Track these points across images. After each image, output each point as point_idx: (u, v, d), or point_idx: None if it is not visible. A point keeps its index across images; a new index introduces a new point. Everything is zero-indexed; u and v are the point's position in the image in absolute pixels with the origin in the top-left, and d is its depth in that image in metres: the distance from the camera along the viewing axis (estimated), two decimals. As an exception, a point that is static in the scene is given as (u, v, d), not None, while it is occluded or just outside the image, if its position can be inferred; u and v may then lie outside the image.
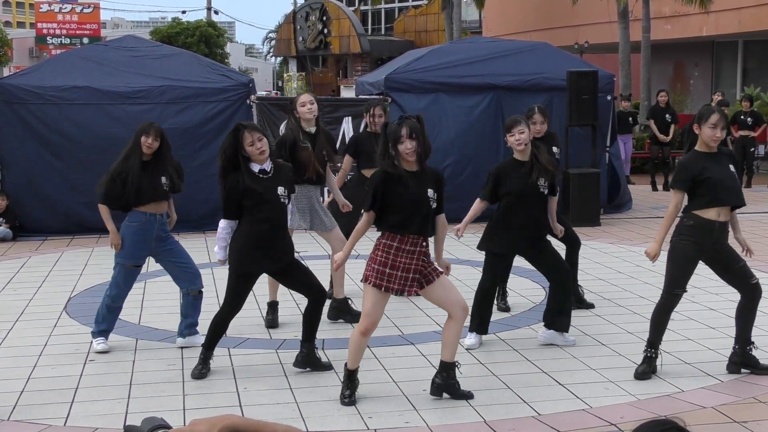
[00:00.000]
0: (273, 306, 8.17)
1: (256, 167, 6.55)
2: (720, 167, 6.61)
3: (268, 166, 6.60)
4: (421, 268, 6.02)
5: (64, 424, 5.87)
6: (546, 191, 7.34)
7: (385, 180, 5.94)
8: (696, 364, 6.92)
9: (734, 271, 6.70)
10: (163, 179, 7.29)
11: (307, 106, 8.09)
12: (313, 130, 8.12)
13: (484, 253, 7.56)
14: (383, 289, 5.97)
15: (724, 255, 6.69)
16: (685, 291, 6.77)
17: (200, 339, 7.10)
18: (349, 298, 8.31)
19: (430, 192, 6.01)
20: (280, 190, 6.60)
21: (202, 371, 6.72)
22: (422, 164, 6.01)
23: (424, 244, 6.04)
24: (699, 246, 6.57)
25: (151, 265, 10.97)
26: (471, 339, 7.38)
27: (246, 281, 6.67)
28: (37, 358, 7.24)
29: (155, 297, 9.30)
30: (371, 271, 5.98)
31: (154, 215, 7.29)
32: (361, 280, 6.08)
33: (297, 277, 6.76)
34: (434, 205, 6.05)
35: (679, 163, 6.88)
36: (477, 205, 7.50)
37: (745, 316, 6.75)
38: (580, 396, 6.25)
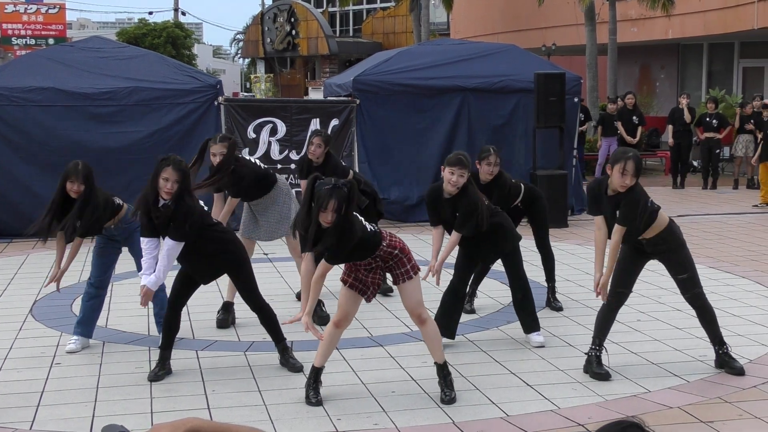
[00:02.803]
0: (227, 306, 8.25)
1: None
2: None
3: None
4: (378, 280, 6.16)
5: (30, 428, 5.82)
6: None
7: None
8: (662, 364, 6.97)
9: (677, 281, 6.80)
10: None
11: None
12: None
13: None
14: (347, 285, 6.15)
15: (666, 264, 6.80)
16: (630, 291, 6.83)
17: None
18: (321, 301, 8.28)
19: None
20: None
21: (158, 374, 6.73)
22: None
23: (378, 259, 6.02)
24: (634, 247, 6.67)
25: (118, 267, 10.91)
26: None
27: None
28: (2, 362, 7.17)
29: (122, 299, 9.24)
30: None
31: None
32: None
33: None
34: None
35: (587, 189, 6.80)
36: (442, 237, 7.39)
37: (704, 321, 6.86)
38: (548, 397, 6.28)
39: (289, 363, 6.90)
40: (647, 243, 6.65)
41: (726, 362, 6.79)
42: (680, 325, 8.07)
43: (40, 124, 12.95)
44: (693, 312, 8.36)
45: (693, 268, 6.77)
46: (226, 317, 8.19)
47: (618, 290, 6.73)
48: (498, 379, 6.66)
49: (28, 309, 8.87)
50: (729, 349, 6.83)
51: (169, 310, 6.88)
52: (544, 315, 8.43)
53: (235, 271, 6.97)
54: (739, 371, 6.69)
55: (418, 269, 6.19)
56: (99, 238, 7.64)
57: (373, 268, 6.09)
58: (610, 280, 6.66)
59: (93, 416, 5.98)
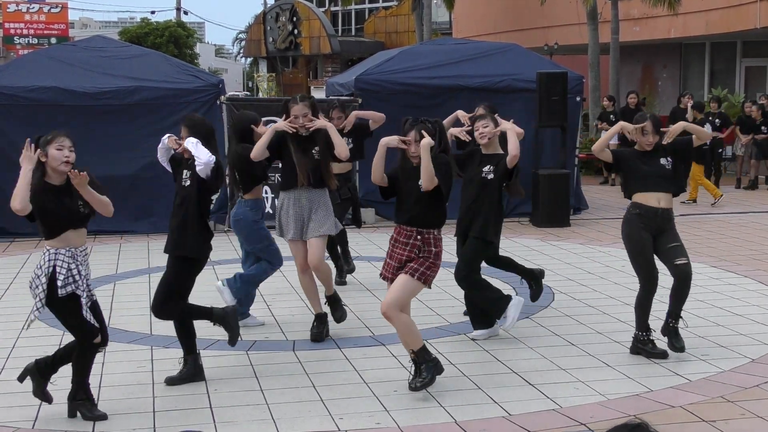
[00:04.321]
0: (321, 318, 7.76)
1: None
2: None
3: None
4: (401, 257, 6.32)
5: (32, 427, 5.83)
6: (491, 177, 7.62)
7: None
8: (664, 363, 6.97)
9: (670, 250, 7.06)
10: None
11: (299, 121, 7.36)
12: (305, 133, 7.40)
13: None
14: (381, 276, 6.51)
15: (664, 237, 7.11)
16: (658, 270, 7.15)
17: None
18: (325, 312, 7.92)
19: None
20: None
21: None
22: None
23: (419, 237, 6.24)
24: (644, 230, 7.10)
25: (120, 267, 10.93)
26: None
27: None
28: (5, 361, 7.18)
29: (125, 299, 9.24)
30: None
31: None
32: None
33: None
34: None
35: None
36: None
37: (677, 293, 7.12)
38: (550, 396, 6.28)
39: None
40: (662, 212, 7.01)
41: (671, 335, 7.09)
42: (682, 325, 8.05)
43: (41, 122, 12.94)
44: (695, 311, 8.40)
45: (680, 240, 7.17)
46: (321, 330, 7.67)
47: (654, 273, 7.08)
48: (500, 378, 6.66)
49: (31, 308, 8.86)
50: (680, 325, 7.12)
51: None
52: (547, 315, 8.44)
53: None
54: (680, 349, 7.03)
55: (427, 283, 6.30)
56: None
57: (410, 244, 6.25)
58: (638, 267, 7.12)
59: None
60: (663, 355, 7.02)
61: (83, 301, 5.73)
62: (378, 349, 7.43)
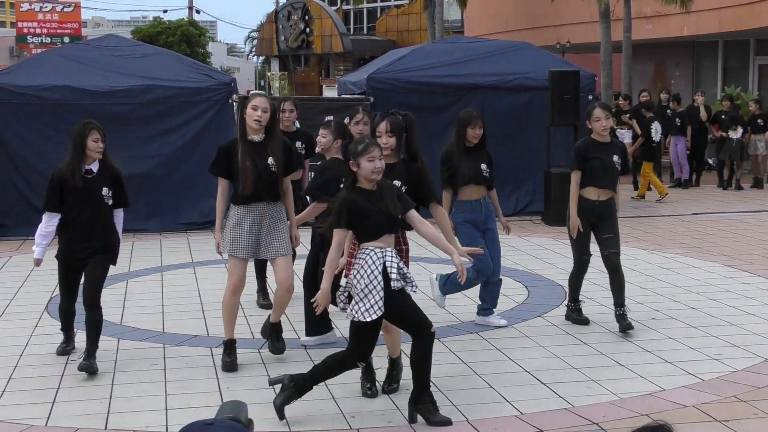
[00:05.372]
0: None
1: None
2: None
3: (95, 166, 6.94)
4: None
5: (46, 425, 5.85)
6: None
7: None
8: (677, 362, 6.95)
9: (604, 240, 7.83)
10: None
11: (257, 113, 6.70)
12: (258, 138, 6.77)
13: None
14: None
15: (601, 225, 7.89)
16: (591, 255, 7.98)
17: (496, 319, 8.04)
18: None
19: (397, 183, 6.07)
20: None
21: (65, 348, 7.23)
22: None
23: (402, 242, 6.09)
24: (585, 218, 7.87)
25: (133, 264, 10.96)
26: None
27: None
28: (18, 358, 7.21)
29: (137, 297, 9.27)
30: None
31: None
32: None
33: None
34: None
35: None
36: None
37: (615, 285, 7.86)
38: (562, 395, 6.27)
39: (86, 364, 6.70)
40: (601, 205, 7.84)
41: (618, 320, 7.75)
42: (695, 324, 8.04)
43: (54, 121, 13.00)
44: (708, 310, 8.39)
45: (618, 231, 7.93)
46: (233, 359, 7.01)
47: (584, 258, 7.98)
48: (512, 377, 6.65)
49: (44, 306, 8.91)
50: (626, 311, 7.77)
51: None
52: (559, 314, 8.43)
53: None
54: (626, 328, 7.65)
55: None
56: None
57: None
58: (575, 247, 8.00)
59: (108, 413, 6.00)
60: (585, 322, 7.97)
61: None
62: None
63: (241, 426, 2.36)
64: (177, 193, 13.13)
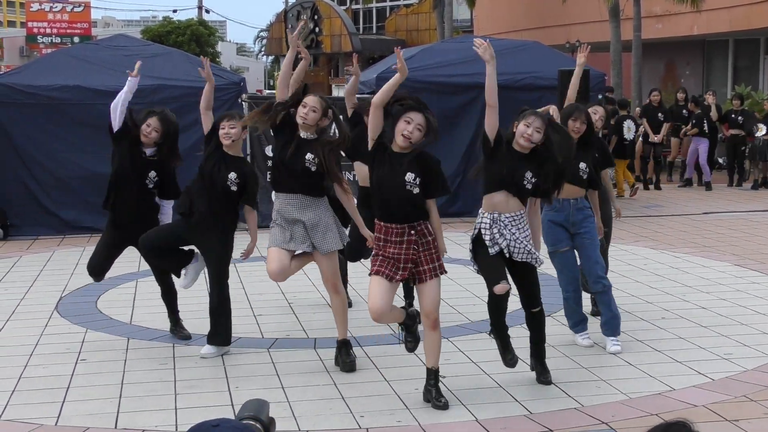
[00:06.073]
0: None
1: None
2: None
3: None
4: (412, 257, 5.93)
5: (56, 424, 5.86)
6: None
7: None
8: (687, 362, 6.94)
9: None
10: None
11: (304, 110, 7.04)
12: (308, 136, 7.02)
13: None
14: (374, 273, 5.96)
15: None
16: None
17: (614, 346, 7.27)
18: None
19: (410, 176, 5.96)
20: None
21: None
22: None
23: (413, 232, 5.93)
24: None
25: (142, 264, 10.97)
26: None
27: None
28: (28, 358, 7.23)
29: (147, 296, 9.28)
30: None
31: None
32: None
33: None
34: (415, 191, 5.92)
35: None
36: None
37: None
38: (571, 395, 6.26)
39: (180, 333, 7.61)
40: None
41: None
42: (705, 323, 8.02)
43: (64, 121, 13.03)
44: (718, 310, 8.37)
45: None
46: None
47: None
48: (521, 377, 6.64)
49: (54, 305, 8.93)
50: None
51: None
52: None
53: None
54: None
55: (445, 271, 6.09)
56: None
57: (406, 241, 5.91)
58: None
59: (118, 412, 6.01)
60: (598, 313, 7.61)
61: None
62: (399, 347, 7.38)
63: (250, 426, 2.35)
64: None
